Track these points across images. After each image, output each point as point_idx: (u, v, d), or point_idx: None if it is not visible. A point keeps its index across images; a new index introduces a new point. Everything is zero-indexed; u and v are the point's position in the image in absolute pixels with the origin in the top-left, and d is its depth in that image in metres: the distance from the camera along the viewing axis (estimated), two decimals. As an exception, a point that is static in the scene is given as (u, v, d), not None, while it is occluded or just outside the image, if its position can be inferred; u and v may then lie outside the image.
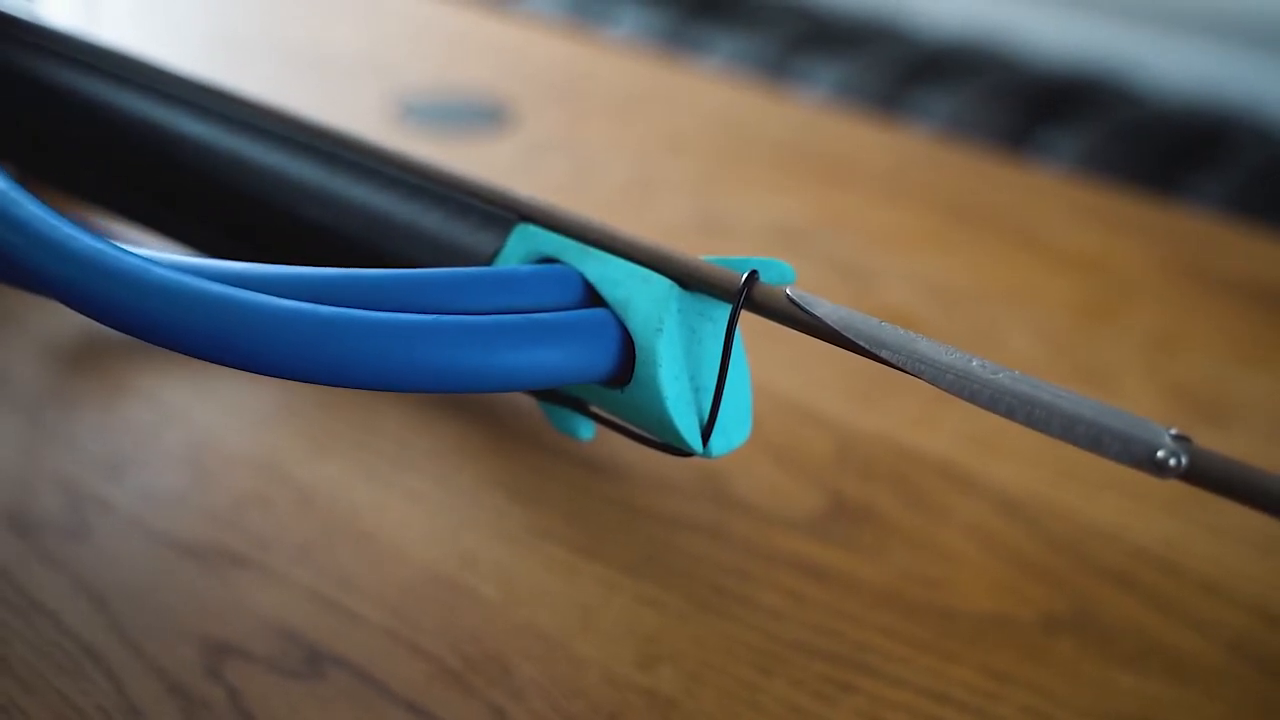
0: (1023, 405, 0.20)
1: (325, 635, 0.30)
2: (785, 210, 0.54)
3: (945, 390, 0.21)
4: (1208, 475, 0.19)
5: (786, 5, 1.31)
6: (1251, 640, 0.31)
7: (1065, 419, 0.20)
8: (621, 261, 0.25)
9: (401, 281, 0.24)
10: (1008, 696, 0.29)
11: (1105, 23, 1.21)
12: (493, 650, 0.30)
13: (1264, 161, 0.99)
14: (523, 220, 0.26)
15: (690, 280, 0.24)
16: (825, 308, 0.22)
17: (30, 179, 0.34)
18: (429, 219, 0.27)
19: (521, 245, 0.26)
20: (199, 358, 0.22)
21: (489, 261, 0.26)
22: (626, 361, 0.25)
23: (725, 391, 0.25)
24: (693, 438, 0.25)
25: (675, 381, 0.24)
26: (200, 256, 0.33)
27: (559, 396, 0.27)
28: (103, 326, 0.22)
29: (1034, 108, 1.07)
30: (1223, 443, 0.39)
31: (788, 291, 0.23)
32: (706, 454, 0.25)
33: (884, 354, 0.21)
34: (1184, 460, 0.19)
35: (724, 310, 0.24)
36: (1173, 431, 0.19)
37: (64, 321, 0.40)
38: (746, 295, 0.23)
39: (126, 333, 0.22)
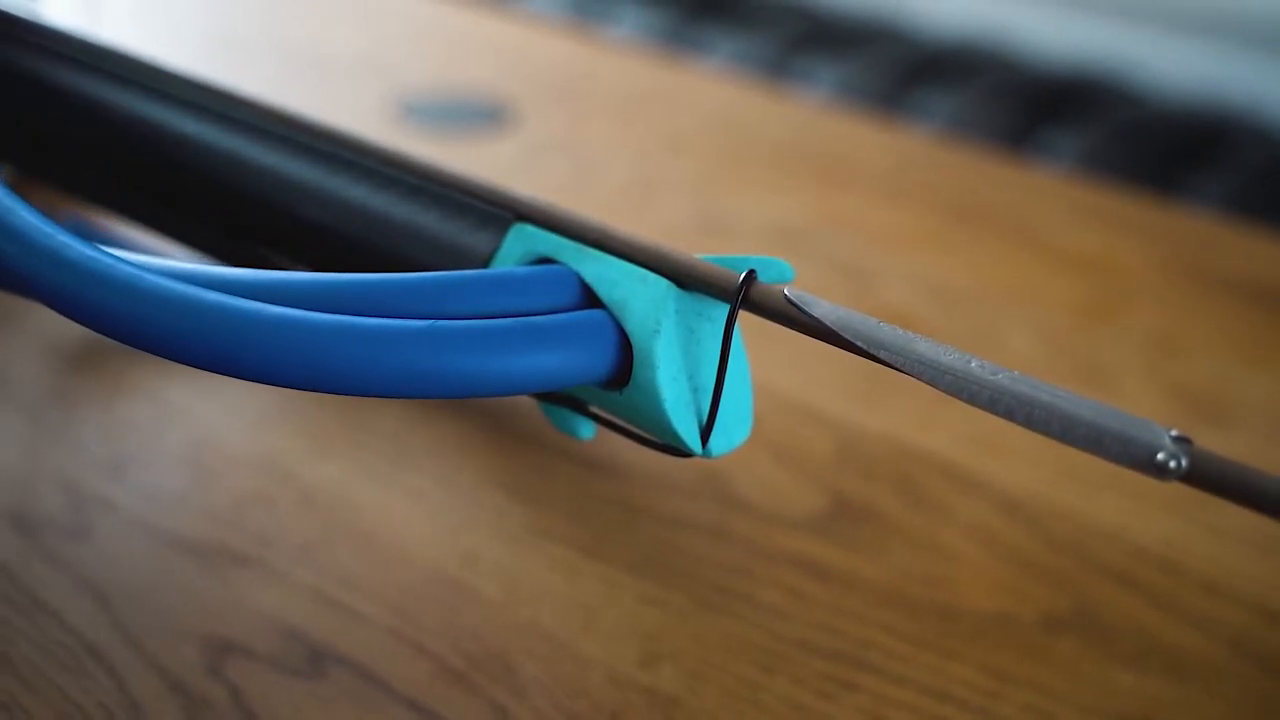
0: (1022, 406, 0.20)
1: (327, 634, 0.30)
2: (785, 210, 0.54)
3: (944, 391, 0.21)
4: (1208, 477, 0.19)
5: (787, 5, 1.31)
6: (1252, 639, 0.31)
7: (1065, 420, 0.19)
8: (618, 261, 0.25)
9: (397, 286, 0.24)
10: (1009, 695, 0.29)
11: (1105, 23, 1.21)
12: (495, 649, 0.30)
13: (1264, 161, 0.99)
14: (519, 219, 0.26)
15: (688, 280, 0.24)
16: (823, 308, 0.22)
17: (30, 179, 0.34)
18: (427, 218, 0.27)
19: (518, 245, 0.26)
20: (194, 366, 0.22)
21: (486, 261, 0.26)
22: (624, 363, 0.24)
23: (725, 391, 0.25)
24: (692, 439, 0.25)
25: (673, 383, 0.24)
26: (200, 256, 0.33)
27: (558, 397, 0.27)
28: (104, 327, 0.22)
29: (1034, 108, 1.07)
30: (1223, 443, 0.39)
31: (785, 291, 0.23)
32: (706, 454, 0.25)
33: (882, 355, 0.21)
34: (1184, 462, 0.19)
35: (722, 310, 0.24)
36: (1173, 433, 0.19)
37: (66, 321, 0.39)
38: (744, 295, 0.23)
39: (121, 341, 0.22)
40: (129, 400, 0.37)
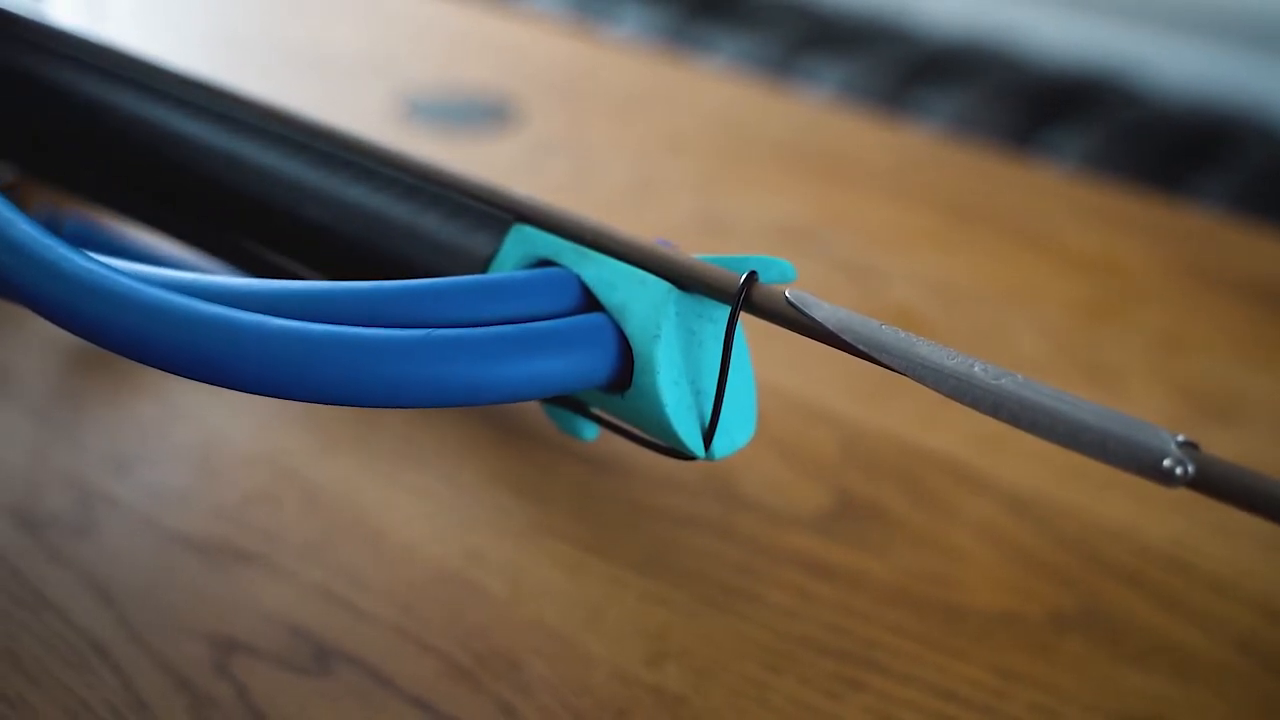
0: (1025, 412, 0.20)
1: (333, 632, 0.30)
2: (788, 209, 0.54)
3: (946, 395, 0.20)
4: (1215, 483, 0.19)
5: (789, 4, 1.31)
6: (1259, 638, 0.31)
7: (1069, 426, 0.19)
8: (618, 264, 0.24)
9: (395, 293, 0.24)
10: (1016, 694, 0.29)
11: (1109, 23, 1.21)
12: (501, 647, 0.30)
13: (1267, 161, 0.99)
14: (519, 220, 0.26)
15: (688, 282, 0.24)
16: (824, 310, 0.22)
17: (32, 178, 0.34)
18: (426, 219, 0.27)
19: (518, 247, 0.26)
20: (192, 378, 0.22)
21: (487, 262, 0.26)
22: (625, 368, 0.24)
23: (727, 392, 0.24)
24: (694, 443, 0.25)
25: (674, 387, 0.24)
26: (200, 255, 0.33)
27: (560, 399, 0.27)
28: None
29: (1038, 107, 1.07)
30: (1229, 441, 0.39)
31: (786, 293, 0.22)
32: (709, 458, 0.25)
33: (883, 358, 0.21)
34: (1191, 468, 0.18)
35: (724, 311, 0.24)
36: (1179, 438, 0.19)
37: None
38: (745, 297, 0.23)
39: (117, 353, 0.22)
40: (134, 398, 0.37)
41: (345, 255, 0.28)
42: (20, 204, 0.24)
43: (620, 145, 0.60)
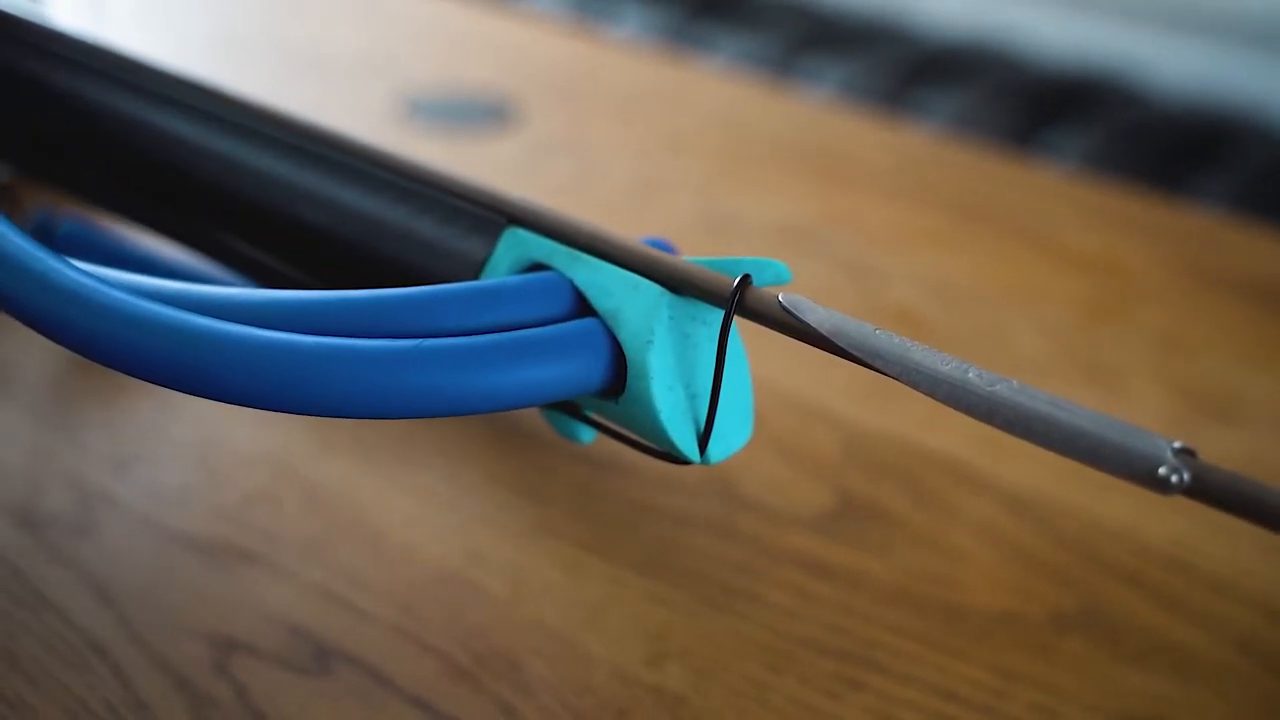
0: (1020, 418, 0.20)
1: (333, 632, 0.30)
2: (789, 209, 0.54)
3: (941, 401, 0.20)
4: (1211, 491, 0.18)
5: (790, 4, 1.31)
6: (1259, 638, 0.31)
7: (1064, 433, 0.19)
8: (611, 268, 0.24)
9: (387, 303, 0.24)
10: (1016, 694, 0.29)
11: (1109, 23, 1.21)
12: (501, 647, 0.29)
13: (1268, 161, 0.99)
14: (512, 223, 0.26)
15: (682, 286, 0.23)
16: (818, 314, 0.22)
17: (31, 179, 0.34)
18: (420, 222, 0.27)
19: (511, 250, 0.25)
20: (182, 391, 0.22)
21: (480, 265, 0.26)
22: (618, 374, 0.24)
23: (723, 395, 0.24)
24: (689, 448, 0.24)
25: (669, 393, 0.24)
26: (198, 256, 0.33)
27: (555, 404, 0.27)
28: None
29: (1038, 107, 1.07)
30: (1230, 441, 0.39)
31: (780, 298, 0.22)
32: (704, 462, 0.25)
33: (877, 363, 0.21)
34: (1186, 476, 0.18)
35: (718, 314, 0.24)
36: (1176, 445, 0.19)
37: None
38: (738, 301, 0.23)
39: (107, 366, 0.22)
40: (134, 398, 0.37)
41: (339, 258, 0.28)
42: (16, 204, 0.24)
43: (621, 145, 0.60)
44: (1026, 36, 1.23)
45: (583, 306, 0.25)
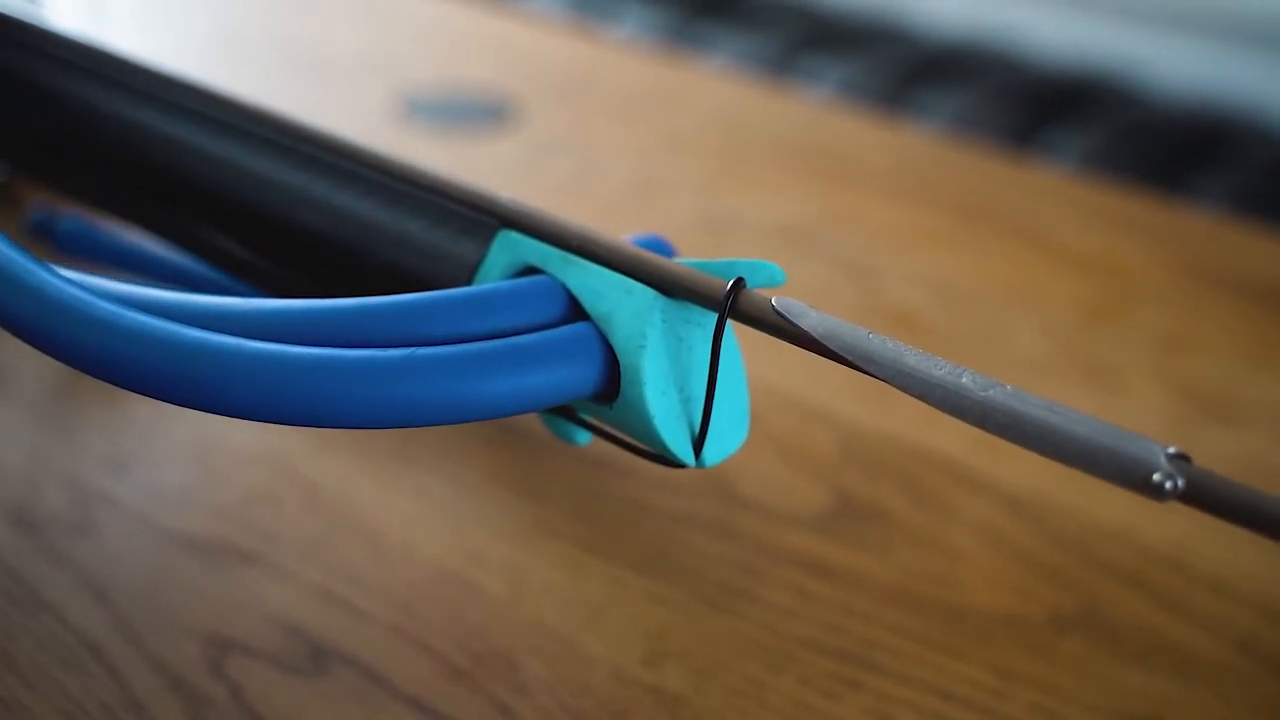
0: (1014, 423, 0.19)
1: (330, 632, 0.30)
2: (789, 209, 0.54)
3: (934, 406, 0.20)
4: (1206, 497, 0.18)
5: (790, 4, 1.31)
6: (1259, 639, 0.31)
7: (1057, 438, 0.19)
8: (604, 271, 0.24)
9: (379, 311, 0.23)
10: (1015, 694, 0.29)
11: (1109, 23, 1.21)
12: (499, 647, 0.29)
13: (1268, 161, 0.99)
14: (505, 226, 0.26)
15: (675, 289, 0.23)
16: (811, 319, 0.22)
17: (30, 179, 0.34)
18: (414, 225, 0.27)
19: (504, 253, 0.25)
20: (173, 403, 0.22)
21: (474, 269, 0.26)
22: (612, 379, 0.24)
23: (718, 398, 0.24)
24: (684, 452, 0.24)
25: (662, 397, 0.24)
26: (195, 258, 0.33)
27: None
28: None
29: (1038, 108, 1.07)
30: (1230, 441, 0.39)
31: (773, 302, 0.22)
32: (700, 465, 0.25)
33: (870, 368, 0.21)
34: (1181, 482, 0.18)
35: (712, 317, 0.24)
36: (1170, 450, 0.18)
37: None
38: (731, 305, 0.22)
39: (99, 378, 0.22)
40: (133, 398, 0.37)
41: (333, 260, 0.28)
42: (15, 201, 0.24)
43: (620, 145, 0.60)
44: (1026, 36, 1.23)
45: (576, 311, 0.24)
